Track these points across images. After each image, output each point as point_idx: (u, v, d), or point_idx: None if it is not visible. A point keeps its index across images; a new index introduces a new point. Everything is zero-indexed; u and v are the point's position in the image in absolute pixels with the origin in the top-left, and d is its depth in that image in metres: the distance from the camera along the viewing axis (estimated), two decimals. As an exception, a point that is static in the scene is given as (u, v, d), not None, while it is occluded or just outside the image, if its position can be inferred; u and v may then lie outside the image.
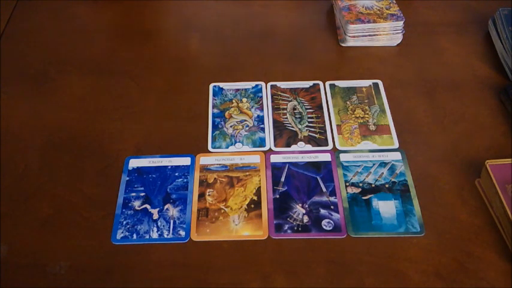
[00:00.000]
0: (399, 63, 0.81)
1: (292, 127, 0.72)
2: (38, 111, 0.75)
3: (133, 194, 0.65)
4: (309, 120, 0.73)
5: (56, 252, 0.60)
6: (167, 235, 0.61)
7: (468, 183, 0.65)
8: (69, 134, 0.71)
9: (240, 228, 0.61)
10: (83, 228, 0.62)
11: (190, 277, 0.57)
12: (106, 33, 0.87)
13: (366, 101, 0.75)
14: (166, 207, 0.64)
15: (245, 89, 0.77)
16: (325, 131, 0.71)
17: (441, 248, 0.59)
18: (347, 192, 0.64)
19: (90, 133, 0.72)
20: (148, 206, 0.64)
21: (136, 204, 0.64)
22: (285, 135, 0.71)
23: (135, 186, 0.66)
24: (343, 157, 0.68)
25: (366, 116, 0.73)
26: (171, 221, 0.62)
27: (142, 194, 0.65)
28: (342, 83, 0.77)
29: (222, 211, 0.63)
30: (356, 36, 0.82)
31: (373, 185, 0.65)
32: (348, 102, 0.75)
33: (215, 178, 0.66)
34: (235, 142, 0.70)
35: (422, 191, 0.64)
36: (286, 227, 0.61)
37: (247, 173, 0.67)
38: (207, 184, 0.66)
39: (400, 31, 0.82)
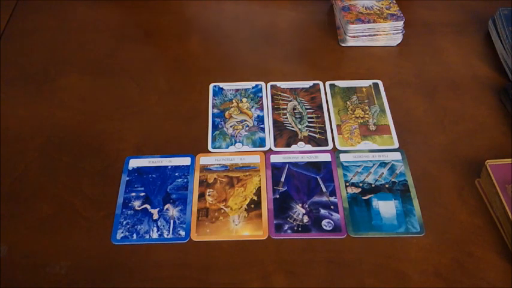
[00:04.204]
0: (399, 63, 0.81)
1: (292, 127, 0.72)
2: (38, 111, 0.75)
3: (134, 194, 0.65)
4: (309, 120, 0.73)
5: (56, 252, 0.60)
6: (167, 235, 0.61)
7: (468, 183, 0.65)
8: (69, 134, 0.71)
9: (240, 228, 0.61)
10: (83, 228, 0.62)
11: (190, 277, 0.58)
12: (106, 33, 0.87)
13: (366, 101, 0.75)
14: (166, 207, 0.64)
15: (245, 89, 0.77)
16: (325, 131, 0.71)
17: (441, 248, 0.59)
18: (347, 192, 0.64)
19: (90, 133, 0.72)
20: (148, 206, 0.64)
21: (136, 204, 0.64)
22: (285, 135, 0.71)
23: (135, 186, 0.66)
24: (343, 157, 0.68)
25: (366, 116, 0.73)
26: (171, 221, 0.62)
27: (142, 194, 0.65)
28: (342, 83, 0.77)
29: (222, 211, 0.63)
30: (356, 36, 0.82)
31: (373, 185, 0.65)
32: (348, 102, 0.75)
33: (215, 178, 0.66)
34: (235, 142, 0.70)
35: (422, 191, 0.64)
36: (286, 227, 0.61)
37: (247, 173, 0.67)
38: (207, 184, 0.66)
39: (400, 31, 0.82)
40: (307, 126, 0.72)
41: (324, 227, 0.61)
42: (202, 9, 0.91)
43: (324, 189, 0.65)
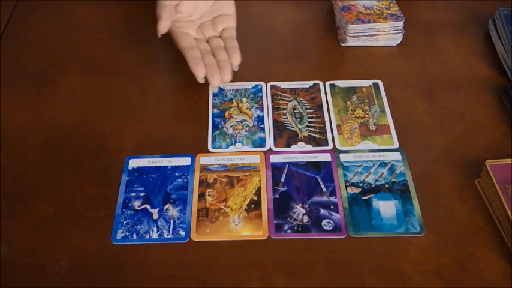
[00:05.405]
0: (399, 63, 0.81)
1: (292, 127, 0.72)
2: (38, 111, 0.75)
3: (134, 194, 0.65)
4: (309, 120, 0.73)
5: (56, 252, 0.60)
6: (167, 235, 0.61)
7: (468, 183, 0.65)
8: (69, 134, 0.71)
9: (240, 228, 0.61)
10: (83, 228, 0.62)
11: (190, 277, 0.58)
12: (106, 33, 0.87)
13: (366, 101, 0.75)
14: (166, 207, 0.64)
15: (245, 89, 0.77)
16: (325, 131, 0.71)
17: (441, 248, 0.59)
18: (347, 192, 0.64)
19: (90, 133, 0.72)
20: (148, 206, 0.64)
21: (136, 204, 0.64)
22: (285, 135, 0.71)
23: (135, 186, 0.66)
24: (343, 157, 0.68)
25: (366, 116, 0.73)
26: (171, 221, 0.62)
27: (143, 194, 0.65)
28: (342, 83, 0.77)
29: (222, 211, 0.63)
30: (356, 36, 0.82)
31: (373, 185, 0.65)
32: (348, 102, 0.75)
33: (215, 178, 0.66)
34: (235, 142, 0.70)
35: (422, 191, 0.64)
36: (286, 227, 0.61)
37: (247, 173, 0.67)
38: (207, 184, 0.66)
39: (400, 31, 0.82)
40: (307, 126, 0.72)
41: (324, 227, 0.61)
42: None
43: (324, 189, 0.65)
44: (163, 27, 0.73)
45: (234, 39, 0.76)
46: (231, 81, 0.78)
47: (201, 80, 0.72)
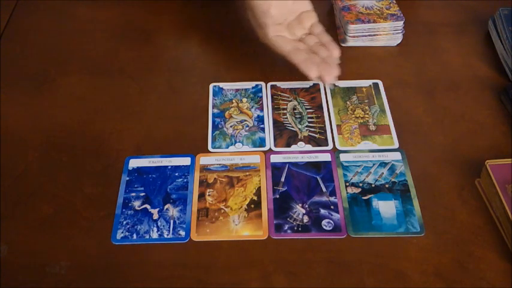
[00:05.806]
0: (399, 63, 0.81)
1: (292, 127, 0.72)
2: (38, 111, 0.75)
3: (134, 194, 0.65)
4: (309, 120, 0.73)
5: (56, 252, 0.60)
6: (167, 235, 0.61)
7: (468, 183, 0.65)
8: (69, 134, 0.71)
9: (240, 228, 0.61)
10: (83, 228, 0.62)
11: (190, 277, 0.58)
12: (106, 33, 0.87)
13: (366, 101, 0.75)
14: (166, 207, 0.64)
15: (245, 89, 0.77)
16: (325, 131, 0.71)
17: (441, 248, 0.59)
18: (347, 192, 0.64)
19: (90, 133, 0.72)
20: (148, 206, 0.64)
21: (136, 204, 0.64)
22: (285, 135, 0.71)
23: (135, 186, 0.66)
24: (343, 157, 0.68)
25: (366, 116, 0.73)
26: (171, 221, 0.62)
27: (143, 194, 0.65)
28: (342, 83, 0.77)
29: (222, 211, 0.63)
30: (356, 36, 0.82)
31: (373, 185, 0.65)
32: (348, 102, 0.75)
33: (215, 178, 0.66)
34: (235, 142, 0.70)
35: (422, 191, 0.64)
36: (286, 227, 0.61)
37: (247, 173, 0.67)
38: (207, 184, 0.66)
39: (400, 31, 0.82)
40: (307, 126, 0.72)
41: (324, 227, 0.61)
42: (202, 9, 0.91)
43: (324, 189, 0.65)
44: (272, 32, 0.72)
45: (325, 33, 0.75)
46: (231, 81, 0.78)
47: (315, 79, 0.71)
